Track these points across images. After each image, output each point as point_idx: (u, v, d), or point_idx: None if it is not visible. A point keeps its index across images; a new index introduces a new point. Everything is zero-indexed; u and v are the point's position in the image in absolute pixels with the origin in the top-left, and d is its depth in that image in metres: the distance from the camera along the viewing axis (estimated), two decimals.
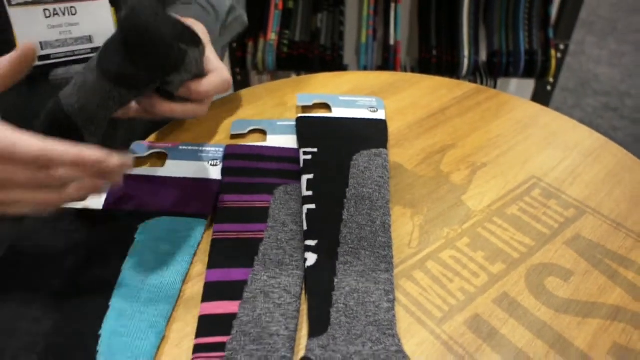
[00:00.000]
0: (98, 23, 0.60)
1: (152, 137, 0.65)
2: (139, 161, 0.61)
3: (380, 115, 0.68)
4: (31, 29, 0.56)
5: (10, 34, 0.55)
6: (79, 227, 0.52)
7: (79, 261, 0.48)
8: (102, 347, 0.41)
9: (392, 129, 0.67)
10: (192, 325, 0.44)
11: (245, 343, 0.42)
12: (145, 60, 0.45)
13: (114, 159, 0.39)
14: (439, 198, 0.56)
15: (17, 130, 0.38)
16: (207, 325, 0.43)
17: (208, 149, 0.62)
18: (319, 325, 0.43)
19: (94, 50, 0.61)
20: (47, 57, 0.58)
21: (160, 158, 0.62)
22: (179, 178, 0.58)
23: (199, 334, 0.43)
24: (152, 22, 0.43)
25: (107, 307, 0.44)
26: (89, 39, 0.60)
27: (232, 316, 0.44)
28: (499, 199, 0.56)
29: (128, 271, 0.47)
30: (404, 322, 0.45)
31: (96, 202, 0.54)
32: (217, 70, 0.55)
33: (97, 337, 0.42)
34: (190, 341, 0.43)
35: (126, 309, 0.44)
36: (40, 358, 0.40)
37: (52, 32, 0.58)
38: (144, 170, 0.59)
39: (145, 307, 0.44)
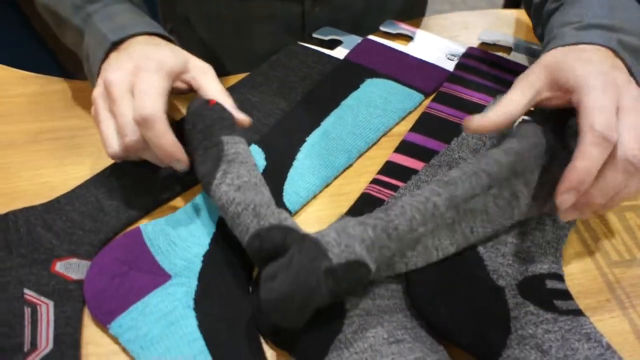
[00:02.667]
0: None
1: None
2: (388, 36, 0.66)
3: None
4: None
5: None
6: (322, 69, 0.59)
7: (310, 87, 0.56)
8: (303, 149, 0.49)
9: None
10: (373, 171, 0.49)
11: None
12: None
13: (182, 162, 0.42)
14: None
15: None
16: (391, 169, 0.48)
17: (451, 45, 0.64)
18: None
19: None
20: None
21: (405, 39, 0.66)
22: (416, 57, 0.61)
23: (381, 172, 0.48)
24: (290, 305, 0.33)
25: (318, 124, 0.52)
26: None
27: (413, 171, 0.47)
28: None
29: (345, 107, 0.54)
30: (573, 248, 0.43)
31: (339, 52, 0.62)
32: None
33: (304, 142, 0.50)
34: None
35: (331, 132, 0.51)
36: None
37: None
38: (389, 43, 0.64)
39: (347, 136, 0.51)
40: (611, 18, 0.44)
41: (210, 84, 0.47)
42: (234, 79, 0.58)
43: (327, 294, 0.34)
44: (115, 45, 0.46)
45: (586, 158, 0.35)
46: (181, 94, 0.48)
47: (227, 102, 0.45)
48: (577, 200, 0.37)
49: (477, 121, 0.40)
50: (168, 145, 0.41)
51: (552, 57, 0.42)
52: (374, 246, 0.35)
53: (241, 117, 0.45)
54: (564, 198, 0.36)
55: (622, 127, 0.36)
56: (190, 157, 0.43)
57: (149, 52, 0.45)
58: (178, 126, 0.46)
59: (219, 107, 0.44)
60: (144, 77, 0.42)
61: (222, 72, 0.62)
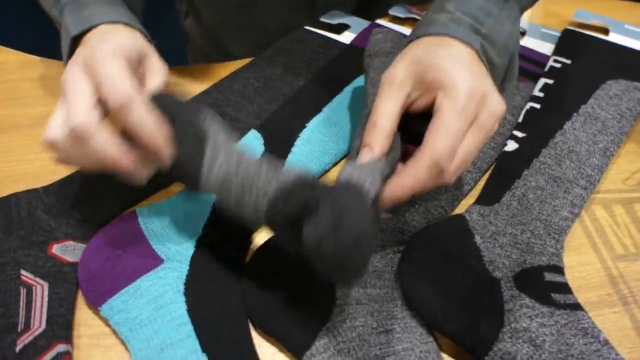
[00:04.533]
0: None
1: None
2: (398, 20, 0.64)
3: None
4: None
5: None
6: (327, 54, 0.58)
7: (316, 72, 0.55)
8: (303, 135, 0.49)
9: None
10: None
11: None
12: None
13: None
14: None
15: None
16: None
17: None
18: (488, 197, 0.43)
19: None
20: None
21: (415, 24, 0.64)
22: None
23: None
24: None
25: (320, 110, 0.51)
26: None
27: None
28: None
29: (347, 93, 0.53)
30: (575, 239, 0.41)
31: (346, 37, 0.61)
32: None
33: (304, 127, 0.49)
34: None
35: (332, 117, 0.50)
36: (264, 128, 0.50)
37: None
38: (397, 28, 0.63)
39: (348, 122, 0.50)
40: (482, 23, 0.40)
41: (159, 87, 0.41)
42: (239, 63, 0.58)
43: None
44: (76, 40, 0.42)
45: (415, 179, 0.35)
46: None
47: None
48: None
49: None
50: (152, 128, 0.36)
51: (420, 51, 0.39)
52: (381, 170, 0.35)
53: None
54: (385, 207, 0.36)
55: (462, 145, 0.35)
56: None
57: (105, 36, 0.41)
58: None
59: (175, 96, 0.39)
60: (101, 60, 0.37)
61: (229, 57, 0.62)
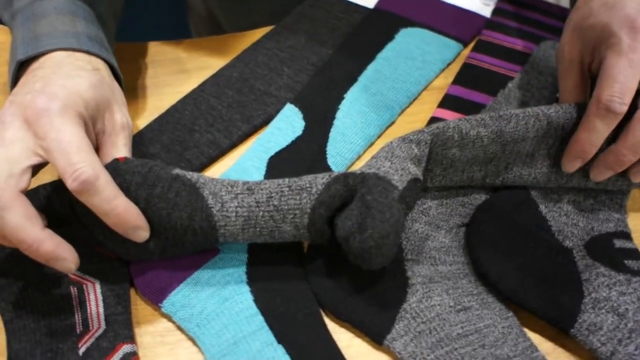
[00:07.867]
0: None
1: None
2: None
3: None
4: None
5: None
6: (351, 19, 0.56)
7: (341, 40, 0.53)
8: (343, 107, 0.47)
9: None
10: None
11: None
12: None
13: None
14: None
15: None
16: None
17: None
18: None
19: None
20: None
21: None
22: (449, 4, 0.57)
23: None
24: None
25: (355, 79, 0.49)
26: None
27: None
28: None
29: (382, 61, 0.50)
30: (635, 202, 0.41)
31: (366, 0, 0.58)
32: None
33: (342, 98, 0.47)
34: None
35: (370, 87, 0.48)
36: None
37: None
38: None
39: (388, 91, 0.48)
40: None
41: (118, 150, 0.36)
42: (259, 33, 0.54)
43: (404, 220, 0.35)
44: (25, 64, 0.36)
45: (588, 130, 0.35)
46: None
47: None
48: (606, 159, 0.36)
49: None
50: (123, 210, 0.32)
51: (578, 13, 0.38)
52: (419, 161, 0.37)
53: None
54: (569, 166, 0.37)
55: None
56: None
57: (57, 76, 0.34)
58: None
59: (134, 159, 0.36)
60: (48, 121, 0.31)
61: (247, 25, 0.58)
